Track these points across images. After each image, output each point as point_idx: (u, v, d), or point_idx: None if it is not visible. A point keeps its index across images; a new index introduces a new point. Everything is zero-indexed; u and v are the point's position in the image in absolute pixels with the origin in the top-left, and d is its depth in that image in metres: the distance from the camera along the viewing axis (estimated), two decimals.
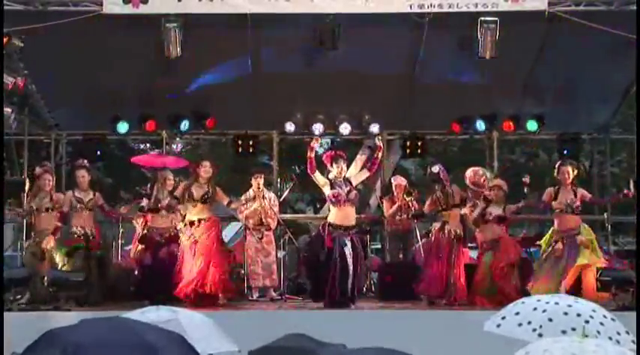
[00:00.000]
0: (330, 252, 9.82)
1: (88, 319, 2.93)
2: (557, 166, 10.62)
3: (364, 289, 12.09)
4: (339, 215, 9.98)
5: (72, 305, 9.70)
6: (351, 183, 10.07)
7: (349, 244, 9.85)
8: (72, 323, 2.93)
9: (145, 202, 11.00)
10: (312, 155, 10.13)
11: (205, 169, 10.55)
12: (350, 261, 9.78)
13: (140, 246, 11.24)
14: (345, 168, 10.24)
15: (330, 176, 10.07)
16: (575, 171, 10.45)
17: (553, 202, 10.34)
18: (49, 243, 10.31)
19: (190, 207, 10.53)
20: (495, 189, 10.67)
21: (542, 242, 10.51)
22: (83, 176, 10.77)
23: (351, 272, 9.78)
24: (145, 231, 11.03)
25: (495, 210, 10.56)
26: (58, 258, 10.33)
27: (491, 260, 10.41)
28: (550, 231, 10.47)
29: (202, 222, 10.41)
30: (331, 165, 10.10)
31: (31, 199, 10.70)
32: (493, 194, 10.60)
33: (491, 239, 10.53)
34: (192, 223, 10.45)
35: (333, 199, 9.98)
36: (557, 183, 10.44)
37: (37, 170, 11.00)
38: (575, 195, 10.28)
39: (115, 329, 2.80)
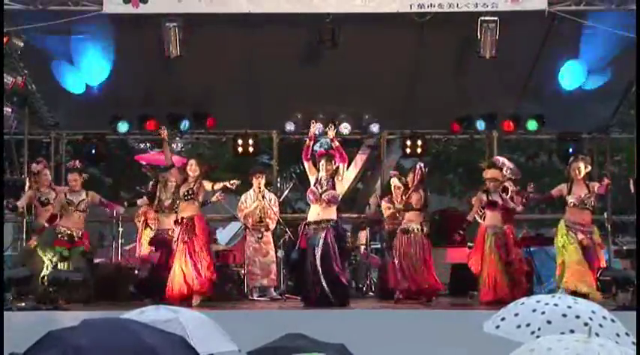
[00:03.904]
0: (304, 253, 10.12)
1: (88, 320, 2.92)
2: (569, 162, 10.71)
3: (364, 287, 12.13)
4: (314, 212, 10.31)
5: (69, 305, 9.71)
6: (334, 184, 10.18)
7: (321, 242, 9.99)
8: (72, 324, 2.93)
9: (140, 201, 11.23)
10: (310, 144, 10.53)
11: (191, 167, 10.57)
12: (318, 261, 9.89)
13: (148, 247, 11.41)
14: (331, 166, 10.28)
15: (320, 174, 10.26)
16: (588, 168, 10.52)
17: (567, 197, 10.39)
18: (33, 242, 10.44)
19: (179, 206, 10.57)
20: (492, 181, 10.74)
21: (558, 238, 10.49)
22: (75, 179, 10.78)
23: (320, 271, 9.86)
24: (154, 233, 11.19)
25: (497, 199, 10.67)
26: (46, 259, 10.37)
27: (497, 245, 10.46)
28: (561, 225, 10.47)
29: (185, 220, 10.38)
30: (319, 162, 10.37)
31: (28, 198, 10.72)
32: (491, 185, 10.69)
33: (494, 225, 10.60)
34: (176, 222, 10.46)
35: (309, 195, 10.36)
36: (570, 180, 10.49)
37: (35, 167, 11.02)
38: (589, 190, 10.34)
39: (115, 332, 2.80)
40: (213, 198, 10.71)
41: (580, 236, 10.25)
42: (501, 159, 11.37)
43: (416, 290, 10.80)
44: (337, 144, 10.55)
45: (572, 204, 10.38)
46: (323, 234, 10.07)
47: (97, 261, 12.28)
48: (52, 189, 10.94)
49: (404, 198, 11.33)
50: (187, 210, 10.43)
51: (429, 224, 12.84)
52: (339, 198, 10.50)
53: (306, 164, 10.53)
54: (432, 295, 10.85)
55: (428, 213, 11.62)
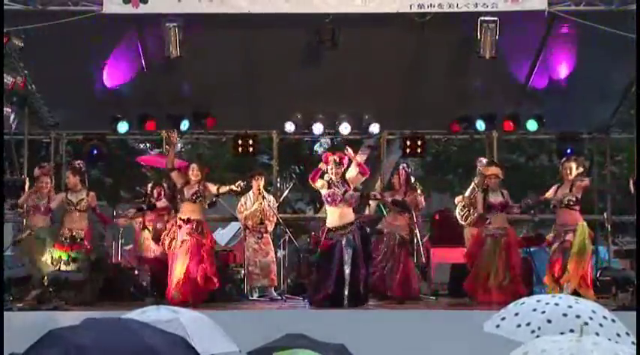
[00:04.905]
0: (327, 257, 9.94)
1: (90, 319, 2.92)
2: (561, 162, 10.73)
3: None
4: (335, 215, 10.16)
5: (69, 305, 9.71)
6: (348, 184, 10.17)
7: (350, 246, 9.92)
8: (72, 324, 2.93)
9: (159, 203, 11.32)
10: (325, 168, 10.29)
11: (194, 172, 10.58)
12: (348, 265, 9.85)
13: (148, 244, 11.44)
14: (340, 170, 10.25)
15: (327, 177, 10.22)
16: (580, 168, 10.49)
17: (552, 197, 10.41)
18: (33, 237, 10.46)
19: (182, 207, 10.56)
20: (493, 177, 10.74)
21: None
22: (68, 177, 10.84)
23: (347, 275, 9.83)
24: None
25: (495, 198, 10.64)
26: (51, 260, 10.37)
27: (500, 247, 10.44)
28: (553, 227, 10.55)
29: (190, 222, 10.39)
30: (327, 167, 10.28)
31: (27, 198, 10.74)
32: (492, 182, 10.69)
33: (498, 226, 10.59)
34: (182, 221, 10.46)
35: (329, 199, 10.16)
36: (562, 180, 10.51)
37: (36, 171, 11.04)
38: (571, 190, 10.30)
39: (116, 331, 2.80)
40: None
41: (549, 236, 10.31)
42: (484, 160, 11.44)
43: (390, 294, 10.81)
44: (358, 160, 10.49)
45: (552, 205, 10.42)
46: (352, 237, 10.02)
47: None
48: (50, 197, 10.86)
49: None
50: (195, 213, 10.44)
51: (428, 225, 12.87)
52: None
53: (315, 184, 10.38)
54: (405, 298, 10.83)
55: (427, 214, 11.63)
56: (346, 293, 9.82)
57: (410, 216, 11.23)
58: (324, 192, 10.20)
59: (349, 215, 10.17)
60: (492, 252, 10.49)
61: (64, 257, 10.43)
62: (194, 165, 10.76)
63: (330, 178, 10.20)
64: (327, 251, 10.02)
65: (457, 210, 11.37)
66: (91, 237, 10.90)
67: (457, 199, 11.45)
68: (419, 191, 11.46)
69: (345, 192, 10.11)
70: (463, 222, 11.24)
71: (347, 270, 9.86)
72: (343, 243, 9.94)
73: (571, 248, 10.04)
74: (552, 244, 10.25)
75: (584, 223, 10.35)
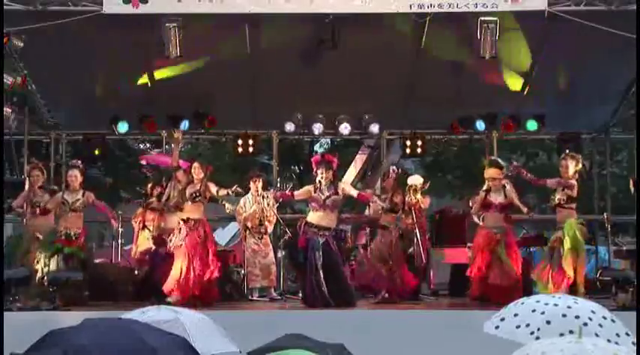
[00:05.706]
0: (305, 254, 10.07)
1: (90, 319, 2.93)
2: (559, 159, 10.73)
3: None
4: (316, 216, 10.25)
5: (69, 305, 9.69)
6: (336, 190, 10.18)
7: (322, 247, 10.04)
8: (72, 324, 2.93)
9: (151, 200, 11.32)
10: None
11: (195, 171, 10.55)
12: (320, 263, 9.94)
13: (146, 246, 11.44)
14: (329, 174, 10.24)
15: (318, 179, 10.24)
16: (579, 166, 10.45)
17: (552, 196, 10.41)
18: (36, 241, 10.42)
19: (184, 207, 10.56)
20: (490, 180, 10.73)
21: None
22: (75, 176, 10.77)
23: (322, 275, 9.89)
24: (159, 231, 11.21)
25: (496, 198, 10.61)
26: (43, 259, 10.35)
27: (501, 246, 10.45)
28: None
29: (190, 221, 10.39)
30: (316, 170, 10.29)
31: (23, 199, 10.68)
32: (490, 184, 10.67)
33: (498, 226, 10.57)
34: (183, 221, 10.45)
35: (313, 203, 10.30)
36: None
37: (26, 168, 11.02)
38: (564, 189, 10.28)
39: (116, 332, 2.81)
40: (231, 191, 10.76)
41: (557, 233, 10.28)
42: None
43: (394, 290, 10.80)
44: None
45: (552, 202, 10.41)
46: (324, 240, 10.08)
47: (97, 260, 12.31)
48: (47, 191, 10.85)
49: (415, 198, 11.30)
50: (195, 212, 10.41)
51: (428, 224, 12.83)
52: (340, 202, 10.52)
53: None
54: (409, 293, 10.84)
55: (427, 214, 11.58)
56: (327, 294, 9.87)
57: (399, 217, 11.17)
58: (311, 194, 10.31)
59: (330, 219, 10.24)
60: (493, 251, 10.46)
61: (65, 250, 10.40)
62: (196, 164, 10.74)
63: (319, 182, 10.20)
64: (304, 249, 10.12)
65: (475, 211, 11.32)
66: (85, 236, 10.86)
67: (471, 200, 11.37)
68: (419, 194, 11.40)
69: (328, 197, 10.15)
70: (480, 222, 11.18)
71: (322, 273, 9.93)
72: (319, 248, 10.00)
73: (562, 246, 10.07)
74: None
75: (573, 220, 10.28)
